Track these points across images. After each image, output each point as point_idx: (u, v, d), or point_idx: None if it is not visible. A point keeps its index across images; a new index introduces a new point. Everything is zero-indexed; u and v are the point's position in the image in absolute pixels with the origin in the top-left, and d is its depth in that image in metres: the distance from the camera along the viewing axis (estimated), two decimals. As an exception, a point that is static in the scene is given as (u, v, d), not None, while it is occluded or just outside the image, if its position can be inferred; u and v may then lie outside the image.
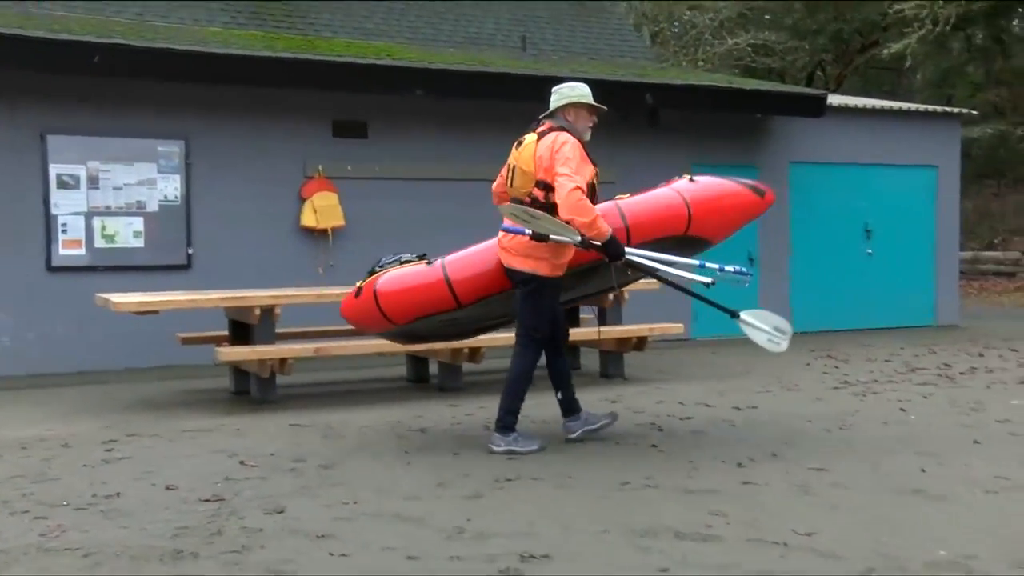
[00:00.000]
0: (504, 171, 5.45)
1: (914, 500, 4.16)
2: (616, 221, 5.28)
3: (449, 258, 5.42)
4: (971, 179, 19.84)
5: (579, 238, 5.01)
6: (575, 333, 6.71)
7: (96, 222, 8.60)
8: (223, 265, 8.90)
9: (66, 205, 8.50)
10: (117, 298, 6.67)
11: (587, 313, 8.20)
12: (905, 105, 13.21)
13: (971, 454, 5.04)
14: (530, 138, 5.26)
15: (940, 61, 23.70)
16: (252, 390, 7.04)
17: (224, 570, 3.34)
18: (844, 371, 8.29)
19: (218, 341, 7.30)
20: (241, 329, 7.08)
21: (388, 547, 3.58)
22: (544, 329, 5.25)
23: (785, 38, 24.44)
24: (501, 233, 5.26)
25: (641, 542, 3.61)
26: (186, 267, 8.91)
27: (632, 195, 5.69)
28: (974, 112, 15.29)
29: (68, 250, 8.50)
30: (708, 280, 5.22)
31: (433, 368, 7.75)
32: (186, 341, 7.61)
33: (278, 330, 7.08)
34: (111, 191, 8.66)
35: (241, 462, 4.99)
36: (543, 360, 5.41)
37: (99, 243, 8.60)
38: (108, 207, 8.64)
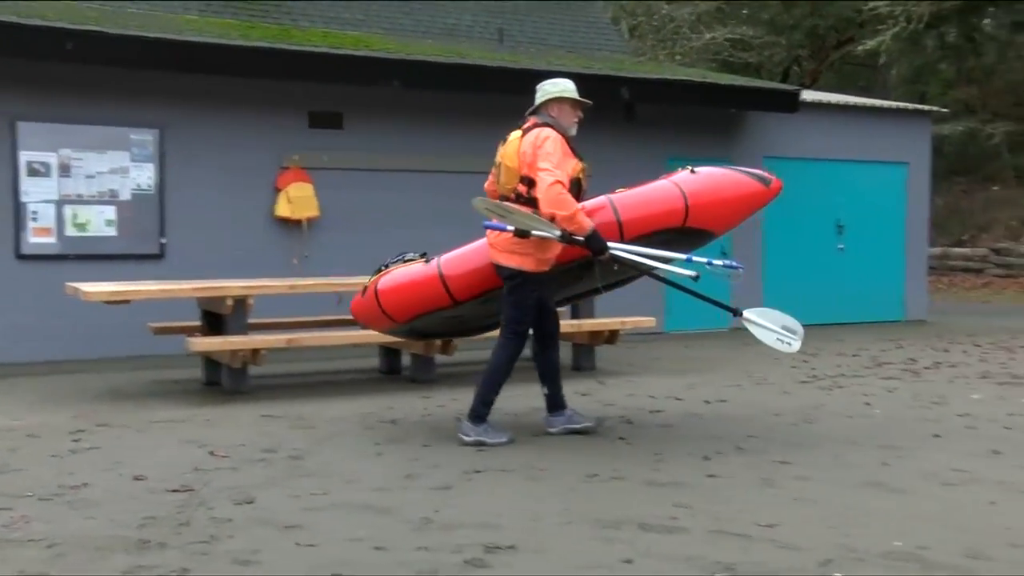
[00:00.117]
0: (494, 169, 5.48)
1: (874, 492, 4.25)
2: (608, 216, 5.27)
3: (445, 256, 5.50)
4: (942, 176, 20.07)
5: (558, 232, 5.04)
6: None
7: (67, 210, 8.54)
8: (197, 255, 8.87)
9: (36, 193, 8.43)
10: (88, 287, 6.64)
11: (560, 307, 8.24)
12: (877, 102, 13.35)
13: (931, 447, 5.14)
14: (515, 135, 5.30)
15: (914, 58, 23.94)
16: (224, 381, 7.04)
17: (190, 560, 3.36)
18: (813, 365, 8.41)
19: (190, 331, 7.29)
20: (214, 319, 7.08)
21: (355, 538, 3.61)
22: (528, 323, 5.27)
23: (762, 33, 24.58)
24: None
25: (606, 533, 3.66)
26: (159, 257, 8.87)
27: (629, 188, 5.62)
28: (944, 110, 15.48)
29: (38, 238, 8.44)
30: (693, 274, 5.18)
31: (406, 360, 7.78)
32: (158, 331, 7.59)
33: (251, 320, 7.08)
34: (83, 179, 8.60)
35: (211, 453, 5.00)
36: (528, 353, 5.45)
37: (70, 232, 8.55)
38: (80, 195, 8.59)
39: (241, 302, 6.82)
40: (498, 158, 5.36)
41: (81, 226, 8.59)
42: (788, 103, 11.37)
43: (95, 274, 8.04)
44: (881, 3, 19.74)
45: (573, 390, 6.90)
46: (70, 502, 4.09)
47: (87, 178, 8.62)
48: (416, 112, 9.83)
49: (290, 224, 9.32)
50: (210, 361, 7.22)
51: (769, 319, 5.37)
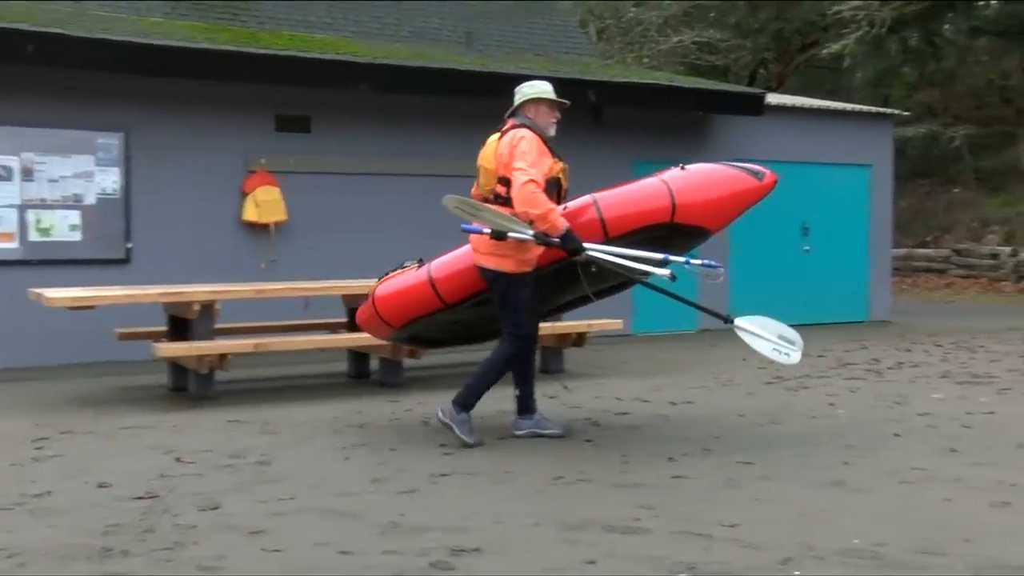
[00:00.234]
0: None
1: (835, 491, 4.32)
2: (591, 214, 5.28)
3: (437, 260, 5.55)
4: (906, 178, 20.36)
5: (531, 232, 5.07)
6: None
7: (31, 215, 8.46)
8: (163, 259, 8.81)
9: (-1, 197, 8.35)
10: (51, 293, 6.59)
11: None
12: (840, 105, 13.53)
13: (891, 447, 5.23)
14: (493, 137, 5.36)
15: (877, 62, 24.27)
16: (190, 386, 6.99)
17: (154, 568, 3.35)
18: (778, 366, 8.49)
19: (156, 337, 7.24)
20: (180, 324, 7.04)
21: (321, 542, 3.62)
22: (527, 325, 5.29)
23: (728, 36, 24.80)
24: None
25: (571, 535, 3.70)
26: (125, 261, 8.80)
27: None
28: (906, 113, 15.72)
29: (0, 243, 8.34)
30: (666, 272, 5.14)
31: (374, 364, 7.78)
32: (123, 337, 7.53)
33: (218, 325, 7.05)
34: (46, 183, 8.52)
35: (177, 459, 4.98)
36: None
37: (33, 236, 8.47)
38: (43, 200, 8.51)
39: (208, 307, 6.79)
40: (479, 161, 5.40)
41: (45, 231, 8.51)
42: (753, 106, 11.49)
43: (59, 279, 7.94)
44: (845, 6, 20.00)
45: (540, 392, 6.93)
46: (32, 511, 4.06)
47: (51, 182, 8.54)
48: (384, 116, 9.83)
49: (257, 228, 9.28)
50: (177, 366, 7.18)
51: (764, 328, 5.27)
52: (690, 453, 5.09)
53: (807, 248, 12.30)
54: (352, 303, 7.84)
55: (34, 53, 8.03)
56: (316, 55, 9.29)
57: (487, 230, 5.13)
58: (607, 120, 10.82)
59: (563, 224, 5.06)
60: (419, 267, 5.57)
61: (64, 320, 7.79)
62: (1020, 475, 4.54)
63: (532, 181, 5.02)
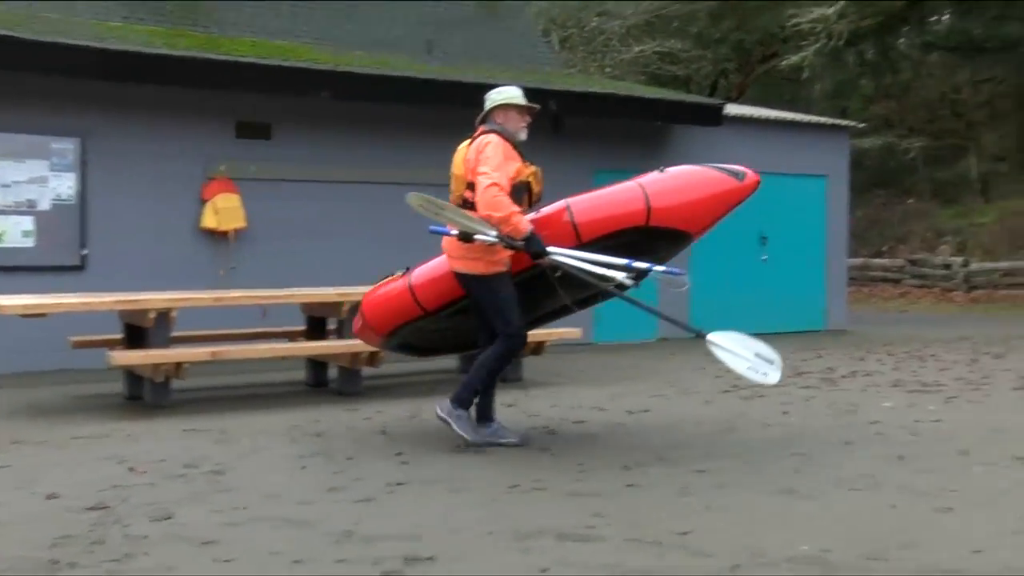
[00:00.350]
0: None
1: (786, 499, 4.39)
2: (564, 219, 5.27)
3: (419, 267, 5.60)
4: (863, 189, 20.74)
5: (494, 233, 5.10)
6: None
7: (-18, 221, 8.33)
8: (120, 267, 8.72)
9: (-50, 203, 8.22)
10: (2, 300, 6.49)
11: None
12: (797, 116, 13.75)
13: (842, 454, 5.32)
14: (464, 144, 5.41)
15: (835, 74, 24.68)
16: (146, 395, 6.93)
17: (105, 579, 3.33)
18: (735, 375, 8.58)
19: (111, 345, 7.16)
20: (136, 332, 6.97)
21: (274, 552, 3.61)
22: (513, 322, 5.24)
23: (690, 47, 25.08)
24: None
25: (524, 543, 3.73)
26: (80, 268, 8.70)
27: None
28: (861, 124, 16.01)
29: (-49, 249, 8.22)
30: (621, 276, 5.11)
31: (333, 373, 7.75)
32: (78, 345, 7.44)
33: (175, 333, 6.99)
34: (-1, 189, 8.40)
35: (130, 469, 4.94)
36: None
37: (-15, 242, 8.34)
38: (-4, 205, 8.39)
39: (164, 315, 6.74)
40: (451, 168, 5.45)
41: (-3, 237, 8.38)
42: (712, 117, 11.65)
43: (12, 286, 7.83)
44: (803, 19, 20.34)
45: (499, 401, 6.95)
46: (-21, 522, 4.00)
47: (3, 188, 8.42)
48: (345, 123, 9.83)
49: (216, 235, 9.22)
50: (132, 375, 7.11)
51: (739, 345, 5.14)
52: (645, 462, 5.14)
53: (765, 258, 12.46)
54: (311, 311, 7.83)
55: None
56: (277, 62, 9.27)
57: (454, 232, 5.17)
58: (568, 129, 10.88)
59: (526, 227, 5.11)
60: (404, 275, 5.63)
61: (17, 328, 7.67)
62: (963, 482, 4.65)
63: (495, 185, 5.06)
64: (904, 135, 22.47)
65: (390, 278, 5.70)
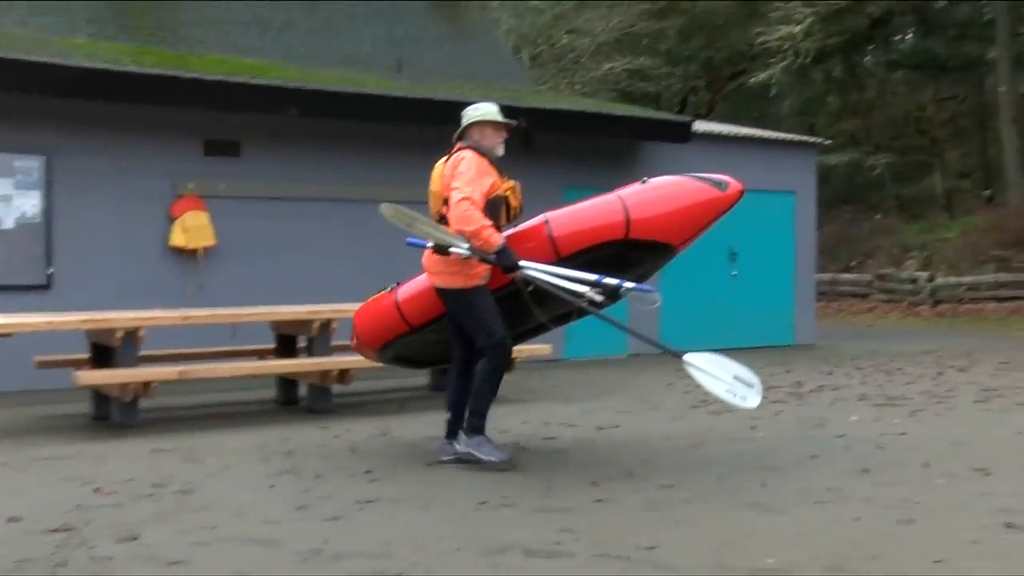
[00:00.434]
0: None
1: (752, 512, 4.43)
2: (542, 234, 5.27)
3: (406, 283, 5.64)
4: (831, 204, 21.00)
5: (466, 245, 5.13)
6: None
7: (-54, 240, 8.23)
8: (87, 286, 8.65)
9: (-87, 222, 8.12)
10: (-33, 320, 6.42)
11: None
12: (765, 133, 13.92)
13: (808, 468, 5.38)
14: (441, 160, 5.46)
15: (803, 91, 25.05)
16: (113, 415, 6.87)
17: (69, 601, 3.30)
18: (704, 390, 8.65)
19: (78, 364, 7.10)
20: (103, 352, 6.91)
21: (242, 572, 3.60)
22: (496, 333, 5.21)
23: (660, 64, 25.35)
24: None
25: (492, 559, 3.74)
26: (46, 287, 8.61)
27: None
28: (828, 141, 16.23)
29: (-85, 269, 8.11)
30: (587, 291, 5.04)
31: (303, 390, 7.72)
32: (42, 364, 7.36)
33: (143, 352, 6.94)
34: (-37, 207, 8.31)
35: (96, 489, 4.89)
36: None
37: (-51, 262, 8.24)
38: (-40, 224, 8.29)
39: (132, 334, 6.69)
40: (429, 185, 5.50)
41: (-39, 256, 8.28)
42: (680, 134, 11.77)
43: (-24, 306, 7.75)
44: (771, 36, 20.64)
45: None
46: (-59, 546, 3.95)
47: (-32, 206, 8.33)
48: (314, 141, 9.83)
49: (185, 254, 9.18)
50: (99, 395, 7.04)
51: (717, 367, 5.08)
52: (614, 477, 5.16)
53: (735, 273, 12.58)
54: (281, 329, 7.80)
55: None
56: (245, 79, 9.26)
57: (429, 244, 5.20)
58: (538, 146, 10.93)
59: (497, 240, 5.13)
60: (392, 291, 5.67)
61: (-19, 347, 7.58)
62: (925, 493, 4.72)
63: (467, 199, 5.10)
64: (870, 152, 22.81)
65: (380, 294, 5.72)
